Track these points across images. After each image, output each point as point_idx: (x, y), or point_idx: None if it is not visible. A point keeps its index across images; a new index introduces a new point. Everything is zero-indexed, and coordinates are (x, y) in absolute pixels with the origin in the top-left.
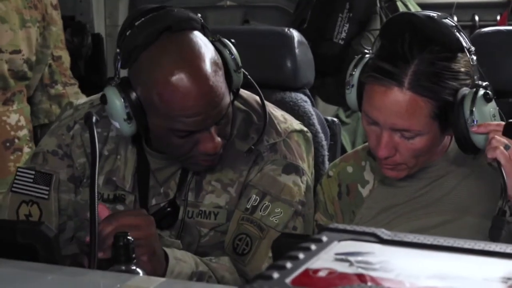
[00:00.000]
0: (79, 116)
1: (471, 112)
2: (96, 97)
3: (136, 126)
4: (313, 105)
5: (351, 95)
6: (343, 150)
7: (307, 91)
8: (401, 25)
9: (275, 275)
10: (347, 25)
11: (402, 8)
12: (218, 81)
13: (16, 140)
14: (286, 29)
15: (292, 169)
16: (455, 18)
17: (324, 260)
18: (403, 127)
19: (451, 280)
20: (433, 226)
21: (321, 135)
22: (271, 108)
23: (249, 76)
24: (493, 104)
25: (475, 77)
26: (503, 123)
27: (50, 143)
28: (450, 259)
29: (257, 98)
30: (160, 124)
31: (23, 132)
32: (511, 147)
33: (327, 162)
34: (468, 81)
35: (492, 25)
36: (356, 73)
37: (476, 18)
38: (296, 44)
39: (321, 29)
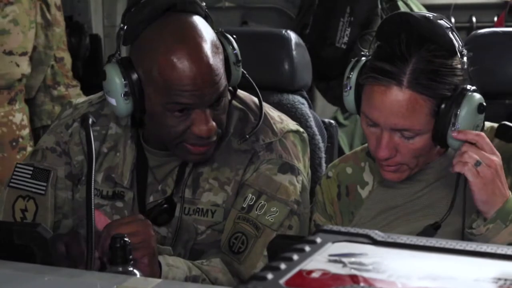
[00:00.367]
0: (78, 115)
1: (456, 115)
2: (95, 96)
3: (133, 105)
4: (310, 107)
5: (349, 98)
6: (341, 152)
7: (305, 93)
8: (397, 25)
9: (269, 276)
10: (349, 29)
11: (403, 8)
12: (217, 61)
13: (21, 139)
14: (284, 31)
15: (288, 168)
16: (453, 19)
17: (318, 261)
18: (404, 127)
19: (443, 280)
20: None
21: (318, 137)
22: (267, 108)
23: (247, 75)
24: (483, 116)
25: (464, 78)
26: (483, 133)
27: (49, 141)
28: (442, 260)
29: (254, 99)
30: (157, 101)
31: (26, 131)
32: (482, 164)
33: (324, 164)
34: (466, 77)
35: (489, 26)
36: (353, 76)
37: (474, 19)
38: (293, 46)
39: (323, 34)
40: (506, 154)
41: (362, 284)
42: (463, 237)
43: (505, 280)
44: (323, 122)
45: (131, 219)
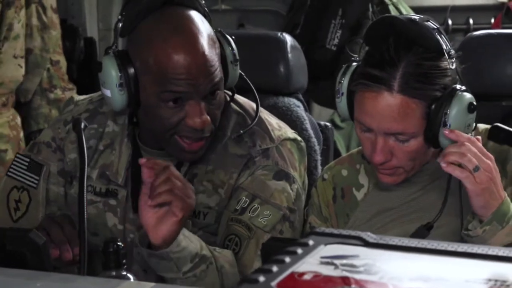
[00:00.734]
0: (78, 112)
1: (446, 115)
2: (96, 94)
3: (128, 97)
4: (306, 110)
5: (342, 104)
6: (338, 155)
7: (300, 96)
8: (384, 29)
9: (261, 278)
10: (340, 31)
11: (394, 12)
12: (213, 54)
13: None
14: (279, 34)
15: (283, 176)
16: (450, 21)
17: (310, 264)
18: (397, 131)
19: (434, 282)
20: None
21: (314, 139)
22: (266, 115)
23: (245, 77)
24: (474, 115)
25: (454, 79)
26: (473, 138)
27: (46, 135)
28: (433, 261)
29: (253, 105)
30: (152, 91)
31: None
32: (480, 169)
33: (320, 167)
34: (456, 77)
35: (486, 28)
36: (345, 82)
37: (471, 21)
38: (289, 49)
39: (314, 35)
40: (501, 156)
41: (353, 285)
42: (461, 238)
43: (496, 281)
44: (319, 124)
45: (173, 171)
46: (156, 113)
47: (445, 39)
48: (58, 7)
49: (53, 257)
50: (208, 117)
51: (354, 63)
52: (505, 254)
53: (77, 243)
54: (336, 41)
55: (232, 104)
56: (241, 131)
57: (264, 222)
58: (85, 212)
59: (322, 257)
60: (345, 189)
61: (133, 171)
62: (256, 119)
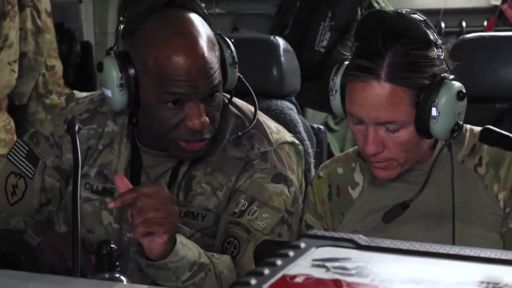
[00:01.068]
0: (78, 111)
1: (434, 102)
2: (97, 93)
3: (128, 97)
4: (299, 112)
5: (335, 101)
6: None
7: (293, 99)
8: (372, 24)
9: (253, 281)
10: (329, 33)
11: None
12: (212, 56)
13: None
14: (272, 37)
15: (281, 179)
16: (443, 24)
17: (302, 266)
18: (387, 119)
19: (426, 284)
20: (422, 230)
21: (307, 142)
22: (265, 118)
23: (243, 79)
24: (463, 103)
25: (442, 68)
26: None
27: (47, 128)
28: (425, 263)
29: (251, 108)
30: (152, 92)
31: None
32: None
33: (313, 170)
34: (445, 67)
35: (479, 30)
36: (337, 79)
37: (464, 24)
38: (281, 52)
39: (303, 37)
40: (495, 161)
41: None
42: (453, 240)
43: (488, 283)
44: (312, 127)
45: (154, 190)
46: (156, 114)
47: (432, 30)
48: (55, 11)
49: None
50: (207, 119)
51: (346, 62)
52: (497, 257)
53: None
54: (325, 43)
55: (231, 107)
56: (240, 133)
57: (263, 225)
58: (79, 216)
59: (313, 260)
60: (341, 187)
61: (132, 171)
62: (255, 121)
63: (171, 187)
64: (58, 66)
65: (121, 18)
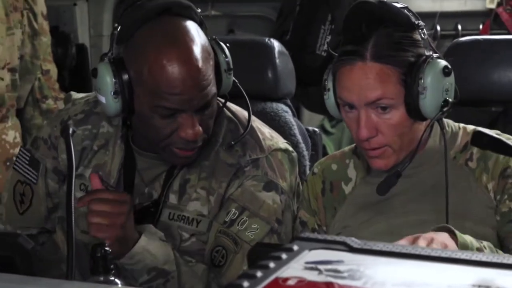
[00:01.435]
0: (74, 112)
1: (420, 80)
2: (93, 94)
3: (122, 104)
4: (294, 115)
5: (329, 101)
6: None
7: (288, 101)
8: (357, 14)
9: (245, 284)
10: (329, 37)
11: None
12: (207, 67)
13: (14, 158)
14: (267, 39)
15: (273, 187)
16: (438, 27)
17: (294, 269)
18: (377, 97)
19: (418, 287)
20: (411, 225)
21: (302, 145)
22: (259, 124)
23: (238, 84)
24: (450, 79)
25: (427, 49)
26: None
27: (45, 131)
28: (417, 266)
29: (246, 113)
30: (145, 101)
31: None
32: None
33: (308, 172)
34: (430, 48)
35: (474, 34)
36: (330, 77)
37: (459, 27)
38: (276, 54)
39: (303, 41)
40: (484, 154)
41: None
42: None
43: (479, 286)
44: (307, 130)
45: (107, 195)
46: (150, 122)
47: (414, 15)
48: (50, 15)
49: None
50: (200, 128)
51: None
52: (488, 260)
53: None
54: (325, 46)
55: (225, 111)
56: (232, 142)
57: (252, 236)
58: (73, 218)
59: (306, 263)
60: (334, 183)
61: (125, 173)
62: (248, 128)
63: (165, 190)
64: (53, 70)
65: (116, 24)
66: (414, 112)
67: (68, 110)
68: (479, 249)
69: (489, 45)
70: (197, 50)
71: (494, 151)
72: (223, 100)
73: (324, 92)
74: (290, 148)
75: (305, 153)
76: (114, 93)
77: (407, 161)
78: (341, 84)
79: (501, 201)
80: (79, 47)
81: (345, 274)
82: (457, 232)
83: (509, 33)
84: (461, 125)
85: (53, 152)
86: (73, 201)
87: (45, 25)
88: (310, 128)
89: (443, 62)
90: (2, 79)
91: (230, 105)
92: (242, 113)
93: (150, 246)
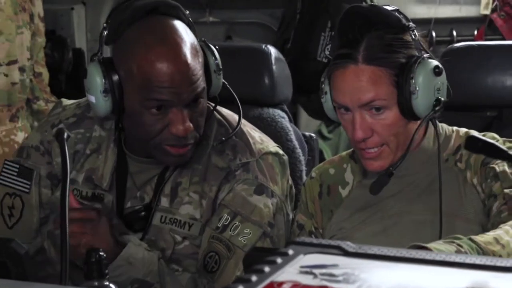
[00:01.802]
0: (65, 116)
1: (412, 80)
2: (83, 99)
3: (112, 103)
4: (290, 121)
5: (327, 104)
6: None
7: (285, 107)
8: (349, 18)
9: None
10: (330, 43)
11: None
12: (196, 63)
13: None
14: (264, 46)
15: (263, 190)
16: (434, 33)
17: (289, 273)
18: (369, 99)
19: None
20: (404, 226)
21: (299, 150)
22: (249, 128)
23: (228, 86)
24: (441, 78)
25: (418, 50)
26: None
27: (34, 139)
28: (411, 270)
29: (237, 117)
30: (135, 98)
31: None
32: None
33: (305, 177)
34: (421, 49)
35: (469, 39)
36: (326, 81)
37: (454, 33)
38: (273, 61)
39: (305, 49)
40: (471, 155)
41: None
42: (440, 235)
43: None
44: (304, 135)
45: (77, 216)
46: (140, 120)
47: (405, 17)
48: (47, 18)
49: None
50: (191, 124)
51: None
52: (482, 263)
53: None
54: (326, 53)
55: (216, 114)
56: (223, 138)
57: (244, 241)
58: (67, 222)
59: (301, 267)
60: (331, 187)
61: (118, 176)
62: (238, 127)
63: (157, 194)
64: (45, 74)
65: (104, 25)
66: (407, 112)
67: (58, 114)
68: (457, 251)
69: (483, 51)
70: (185, 47)
71: (488, 156)
72: (213, 104)
73: (321, 96)
74: (281, 152)
75: (302, 158)
76: (103, 92)
77: (399, 160)
78: (335, 87)
79: (486, 188)
80: (76, 51)
81: (340, 278)
82: (431, 245)
83: (503, 39)
84: (455, 128)
85: (47, 158)
86: (67, 206)
87: (41, 27)
88: (307, 133)
89: (434, 62)
90: (6, 76)
91: (221, 109)
92: (233, 116)
93: (132, 258)
